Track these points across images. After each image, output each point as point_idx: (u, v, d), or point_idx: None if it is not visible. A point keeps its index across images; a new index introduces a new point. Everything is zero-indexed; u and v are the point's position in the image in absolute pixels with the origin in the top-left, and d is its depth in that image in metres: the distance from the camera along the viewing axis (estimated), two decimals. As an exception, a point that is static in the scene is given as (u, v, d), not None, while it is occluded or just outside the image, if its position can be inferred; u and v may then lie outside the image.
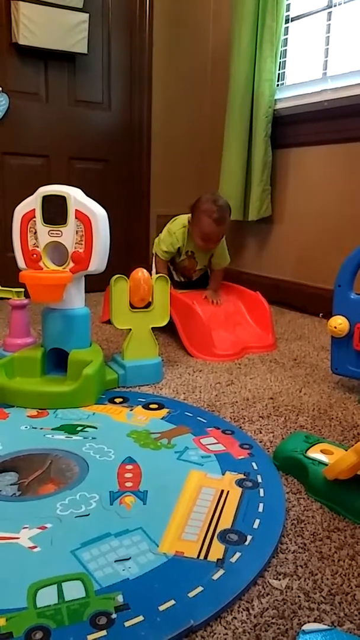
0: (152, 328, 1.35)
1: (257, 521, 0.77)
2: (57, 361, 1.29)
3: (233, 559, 0.69)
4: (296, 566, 0.70)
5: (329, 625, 0.59)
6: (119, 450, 0.98)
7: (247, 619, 0.61)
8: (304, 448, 0.93)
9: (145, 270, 1.35)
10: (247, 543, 0.72)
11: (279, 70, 2.21)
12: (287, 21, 2.20)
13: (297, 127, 2.18)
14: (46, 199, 1.20)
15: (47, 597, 0.62)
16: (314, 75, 2.15)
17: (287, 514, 0.81)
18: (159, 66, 2.52)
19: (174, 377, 1.40)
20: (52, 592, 0.62)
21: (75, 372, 1.21)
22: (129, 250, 2.54)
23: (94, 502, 0.81)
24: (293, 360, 1.58)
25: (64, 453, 0.97)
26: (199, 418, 1.14)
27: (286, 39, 2.24)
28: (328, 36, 2.08)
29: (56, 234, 1.21)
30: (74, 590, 0.63)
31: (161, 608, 0.60)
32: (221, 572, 0.67)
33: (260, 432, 1.09)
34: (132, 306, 1.33)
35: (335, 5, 2.03)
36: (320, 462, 0.88)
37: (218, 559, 0.69)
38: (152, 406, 1.19)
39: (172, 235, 1.76)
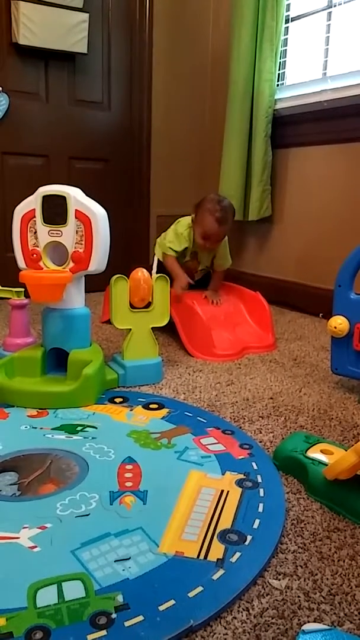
0: (152, 328, 1.35)
1: (257, 521, 0.77)
2: (57, 361, 1.29)
3: (233, 559, 0.69)
4: (296, 566, 0.70)
5: (328, 625, 0.59)
6: (119, 450, 0.98)
7: (247, 619, 0.61)
8: (304, 448, 0.93)
9: (145, 270, 1.35)
10: (247, 543, 0.73)
11: (279, 70, 2.21)
12: (287, 21, 2.20)
13: (297, 127, 2.18)
14: (46, 199, 1.20)
15: (47, 597, 0.62)
16: (313, 75, 2.14)
17: (287, 514, 0.81)
18: (159, 66, 2.52)
19: (174, 377, 1.40)
20: (52, 592, 0.62)
21: (75, 372, 1.21)
22: (128, 250, 2.54)
23: (94, 502, 0.81)
24: (293, 360, 1.58)
25: (64, 453, 0.97)
26: (199, 418, 1.14)
27: (286, 38, 2.24)
28: (328, 36, 2.08)
29: (56, 233, 1.20)
30: (74, 590, 0.63)
31: (161, 608, 0.60)
32: (221, 572, 0.67)
33: (260, 432, 1.09)
34: (132, 306, 1.33)
35: (335, 6, 2.03)
36: (320, 462, 0.88)
37: (218, 559, 0.69)
38: (152, 406, 1.19)
39: (179, 236, 1.76)
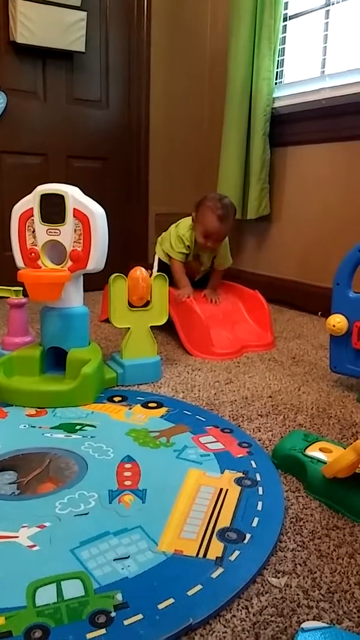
0: (151, 327, 1.35)
1: (256, 519, 0.77)
2: (55, 360, 1.29)
3: (232, 557, 0.69)
4: (295, 564, 0.70)
5: (327, 623, 0.59)
6: (118, 448, 0.98)
7: (246, 617, 0.61)
8: (302, 446, 0.93)
9: (143, 269, 1.35)
10: (246, 541, 0.73)
11: (277, 68, 2.21)
12: (285, 19, 2.20)
13: (295, 126, 2.18)
14: (44, 198, 1.19)
15: (46, 595, 0.62)
16: (312, 73, 2.14)
17: (286, 512, 0.81)
18: (157, 64, 2.52)
19: (173, 376, 1.40)
20: (51, 590, 0.62)
21: (73, 370, 1.21)
22: (127, 249, 2.54)
23: (93, 500, 0.81)
24: (292, 358, 1.58)
25: (62, 452, 0.97)
26: (197, 416, 1.14)
27: (284, 37, 2.23)
28: (326, 34, 2.08)
29: (54, 232, 1.20)
30: (73, 589, 0.63)
31: (160, 606, 0.60)
32: (220, 570, 0.67)
33: (259, 431, 1.09)
34: (130, 305, 1.33)
35: (333, 4, 2.03)
36: (319, 461, 0.88)
37: (217, 557, 0.69)
38: (151, 405, 1.19)
39: (181, 238, 1.76)
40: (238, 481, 0.88)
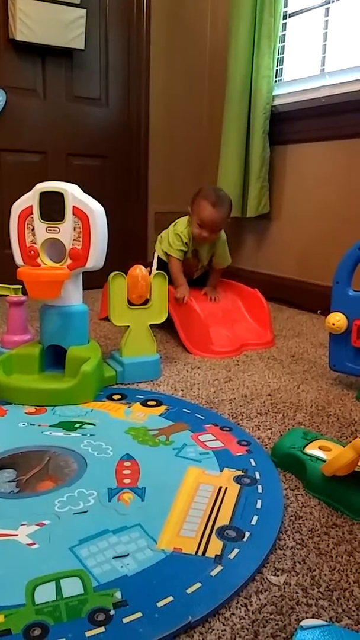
0: (150, 325, 1.35)
1: (255, 517, 0.77)
2: (55, 358, 1.29)
3: (231, 555, 0.69)
4: (294, 562, 0.70)
5: (327, 621, 0.59)
6: (117, 447, 0.98)
7: (246, 615, 0.61)
8: (302, 444, 0.93)
9: (143, 267, 1.34)
10: (245, 539, 0.73)
11: (277, 66, 2.21)
12: (284, 17, 2.20)
13: (295, 124, 2.18)
14: (44, 196, 1.19)
15: (45, 593, 0.62)
16: (311, 71, 2.14)
17: (285, 511, 0.81)
18: (157, 62, 2.51)
19: (172, 374, 1.40)
20: (50, 588, 0.62)
21: (73, 369, 1.21)
22: (126, 247, 2.54)
23: (92, 498, 0.81)
24: (291, 357, 1.58)
25: (62, 450, 0.97)
26: (197, 415, 1.14)
27: (284, 35, 2.23)
28: (326, 32, 2.07)
29: (54, 230, 1.20)
30: (72, 587, 0.63)
31: (159, 604, 0.61)
32: (219, 568, 0.67)
33: (259, 429, 1.09)
34: (130, 303, 1.33)
35: (333, 2, 2.02)
36: (318, 459, 0.88)
37: (216, 555, 0.69)
38: (150, 403, 1.19)
39: (179, 235, 1.76)
40: (237, 479, 0.88)
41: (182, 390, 1.30)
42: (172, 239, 1.77)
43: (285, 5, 2.19)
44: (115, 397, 1.23)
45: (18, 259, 1.25)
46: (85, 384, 1.18)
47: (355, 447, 0.75)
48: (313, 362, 1.53)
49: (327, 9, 2.05)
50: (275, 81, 2.22)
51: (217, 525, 0.75)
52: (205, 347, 1.58)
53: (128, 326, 1.34)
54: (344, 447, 0.86)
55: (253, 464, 0.93)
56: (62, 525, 0.75)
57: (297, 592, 0.64)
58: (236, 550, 0.70)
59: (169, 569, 0.66)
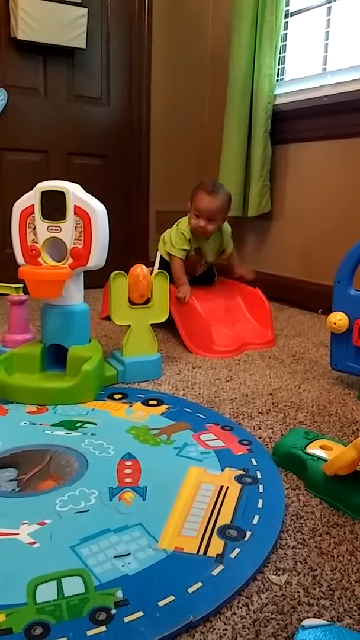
0: (152, 324, 1.35)
1: (257, 517, 0.77)
2: (56, 357, 1.29)
3: (232, 555, 0.69)
4: (295, 562, 0.70)
5: (328, 621, 0.59)
6: (118, 446, 0.98)
7: (247, 614, 0.61)
8: (303, 444, 0.93)
9: (144, 266, 1.34)
10: (246, 539, 0.73)
11: (279, 65, 2.20)
12: (286, 16, 2.19)
13: (296, 123, 2.17)
14: (45, 195, 1.19)
15: (46, 592, 0.62)
16: (313, 70, 2.14)
17: (286, 510, 0.81)
18: (158, 61, 2.51)
19: (173, 373, 1.40)
20: (51, 587, 0.62)
21: (74, 368, 1.21)
22: (128, 247, 2.54)
23: (94, 498, 0.81)
24: (292, 356, 1.58)
25: (63, 449, 0.97)
26: (198, 414, 1.14)
27: (286, 33, 2.23)
28: (328, 31, 2.07)
29: (55, 229, 1.20)
30: (73, 586, 0.63)
31: (161, 604, 0.60)
32: (220, 567, 0.67)
33: (260, 428, 1.09)
34: (131, 302, 1.32)
35: (334, 0, 2.02)
36: (320, 458, 0.88)
37: (217, 555, 0.69)
38: (151, 402, 1.19)
39: (181, 233, 1.77)
40: (238, 479, 0.88)
41: (183, 389, 1.30)
42: (174, 238, 1.78)
43: (287, 4, 2.18)
44: (117, 396, 1.23)
45: (19, 258, 1.25)
46: (86, 383, 1.18)
47: (356, 446, 0.75)
48: (314, 362, 1.53)
49: (329, 7, 2.05)
50: (277, 80, 2.21)
51: (218, 525, 0.75)
52: (206, 346, 1.58)
53: (129, 325, 1.33)
54: (345, 446, 0.86)
55: (254, 463, 0.93)
56: (63, 525, 0.75)
57: (298, 592, 0.64)
58: (237, 550, 0.70)
59: (170, 568, 0.66)
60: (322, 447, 0.92)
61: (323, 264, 2.08)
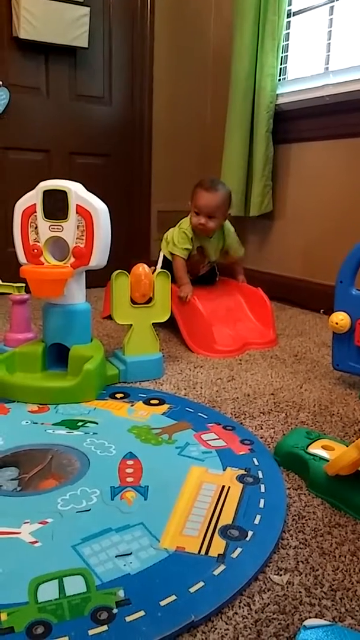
0: (153, 323, 1.35)
1: (258, 517, 0.77)
2: (57, 356, 1.29)
3: (234, 555, 0.69)
4: (297, 562, 0.70)
5: (330, 621, 0.59)
6: (120, 445, 0.98)
7: (248, 614, 0.61)
8: (305, 444, 0.93)
9: (146, 266, 1.34)
10: (248, 538, 0.72)
11: (281, 64, 2.20)
12: (289, 15, 2.19)
13: (298, 122, 2.17)
14: (47, 194, 1.19)
15: (48, 592, 0.62)
16: (315, 70, 2.13)
17: (288, 510, 0.81)
18: (160, 61, 2.51)
19: (175, 373, 1.40)
20: (53, 587, 0.62)
21: (76, 367, 1.21)
22: (129, 246, 2.54)
23: (95, 497, 0.81)
24: (294, 356, 1.58)
25: (64, 448, 0.97)
26: (199, 414, 1.13)
27: (288, 33, 2.22)
28: (330, 30, 2.07)
29: (57, 228, 1.20)
30: (75, 585, 0.63)
31: (162, 603, 0.60)
32: (222, 567, 0.67)
33: (261, 428, 1.09)
34: (133, 302, 1.32)
35: (337, 0, 2.02)
36: (321, 458, 0.88)
37: (219, 555, 0.69)
38: (153, 402, 1.19)
39: (183, 232, 1.77)
40: (240, 478, 0.88)
41: (185, 389, 1.30)
42: (177, 238, 1.78)
43: (290, 4, 2.18)
44: (118, 395, 1.23)
45: (21, 257, 1.25)
46: (88, 383, 1.18)
47: (358, 446, 0.75)
48: (316, 362, 1.53)
49: (332, 7, 2.05)
50: (279, 80, 2.21)
51: (220, 525, 0.75)
52: (208, 346, 1.58)
53: (131, 325, 1.33)
54: (347, 446, 0.86)
55: (256, 463, 0.93)
56: (64, 524, 0.75)
57: (300, 592, 0.64)
58: (239, 550, 0.70)
59: (171, 567, 0.66)
60: (323, 447, 0.92)
61: (325, 263, 2.08)
